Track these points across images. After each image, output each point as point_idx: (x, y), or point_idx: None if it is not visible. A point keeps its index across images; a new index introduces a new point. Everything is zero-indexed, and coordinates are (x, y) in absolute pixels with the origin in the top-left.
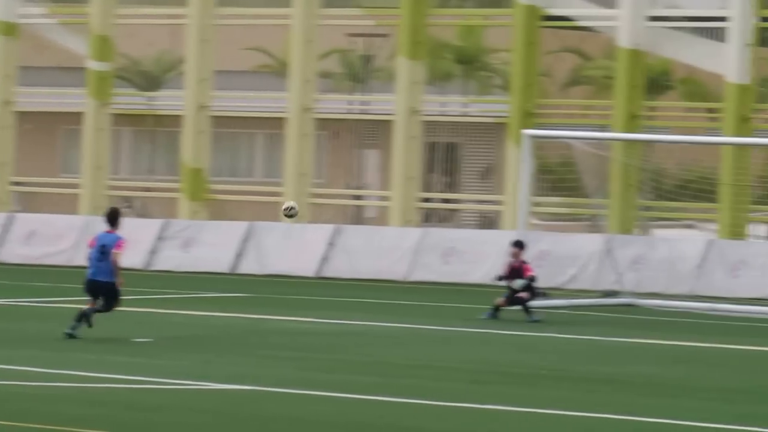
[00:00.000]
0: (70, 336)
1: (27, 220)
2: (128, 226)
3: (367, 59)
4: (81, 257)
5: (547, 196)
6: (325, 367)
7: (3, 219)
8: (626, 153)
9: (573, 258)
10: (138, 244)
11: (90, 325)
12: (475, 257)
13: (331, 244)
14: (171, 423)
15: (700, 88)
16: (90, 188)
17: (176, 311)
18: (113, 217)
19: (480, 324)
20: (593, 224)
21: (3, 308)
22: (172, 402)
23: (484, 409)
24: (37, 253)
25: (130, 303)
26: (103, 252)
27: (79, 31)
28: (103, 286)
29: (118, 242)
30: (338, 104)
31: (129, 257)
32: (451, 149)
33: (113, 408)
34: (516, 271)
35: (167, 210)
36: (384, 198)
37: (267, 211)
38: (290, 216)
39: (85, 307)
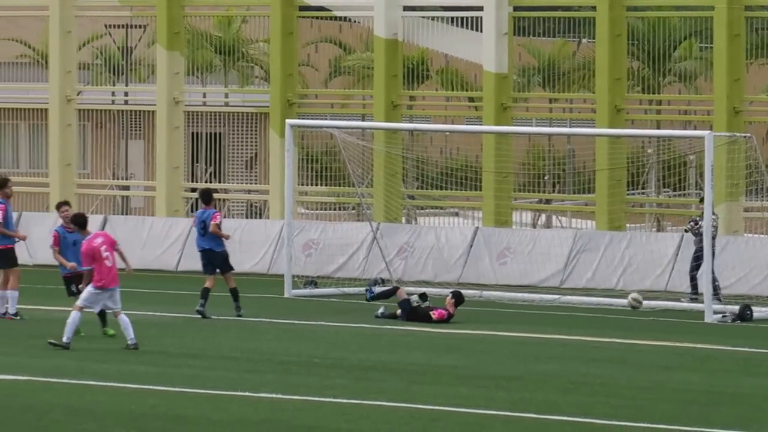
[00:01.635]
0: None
1: None
2: None
3: (126, 50)
4: None
5: (313, 185)
6: (100, 356)
7: None
8: (388, 142)
9: (342, 247)
10: None
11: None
12: (246, 247)
13: None
14: None
15: (458, 78)
16: None
17: None
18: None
19: (252, 313)
20: (360, 213)
21: None
22: None
23: (259, 397)
24: None
25: None
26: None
27: None
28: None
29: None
30: (101, 95)
31: None
32: (215, 139)
33: None
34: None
35: None
36: (150, 188)
37: (34, 202)
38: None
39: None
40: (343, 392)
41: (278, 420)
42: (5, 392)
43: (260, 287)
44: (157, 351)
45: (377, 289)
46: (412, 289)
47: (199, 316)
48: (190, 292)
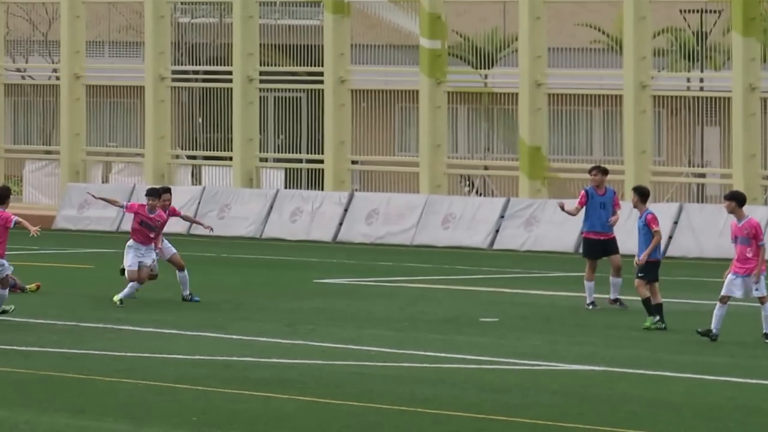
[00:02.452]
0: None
1: (367, 199)
2: (470, 205)
3: (701, 36)
4: (423, 236)
5: None
6: (676, 347)
7: (344, 198)
8: None
9: None
10: (480, 224)
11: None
12: None
13: (675, 223)
14: (524, 404)
15: None
16: (428, 167)
17: (521, 291)
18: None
19: None
20: None
21: (347, 287)
22: (523, 383)
23: None
24: (379, 233)
25: (475, 282)
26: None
27: (408, 9)
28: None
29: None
30: (674, 81)
31: (472, 236)
32: None
33: (463, 388)
34: None
35: (507, 188)
36: (726, 176)
37: None
38: None
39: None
40: None
41: None
42: (582, 382)
43: None
44: (732, 342)
45: None
46: None
47: None
48: None
